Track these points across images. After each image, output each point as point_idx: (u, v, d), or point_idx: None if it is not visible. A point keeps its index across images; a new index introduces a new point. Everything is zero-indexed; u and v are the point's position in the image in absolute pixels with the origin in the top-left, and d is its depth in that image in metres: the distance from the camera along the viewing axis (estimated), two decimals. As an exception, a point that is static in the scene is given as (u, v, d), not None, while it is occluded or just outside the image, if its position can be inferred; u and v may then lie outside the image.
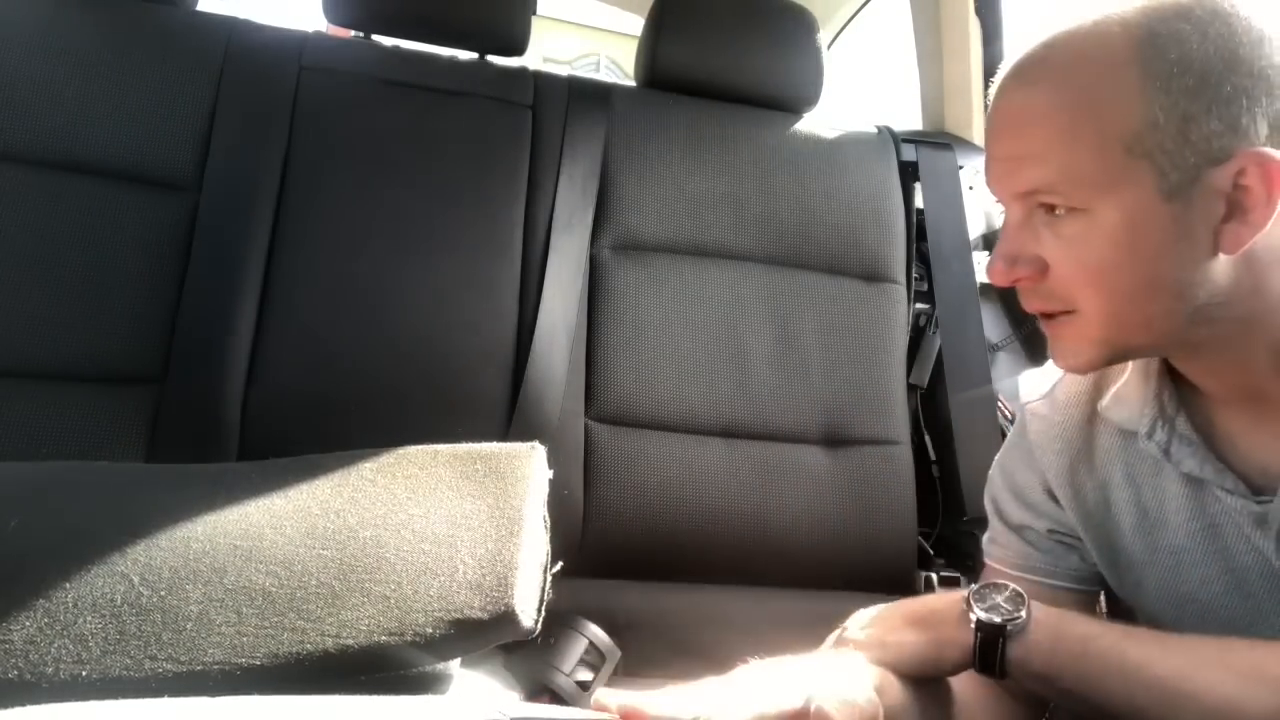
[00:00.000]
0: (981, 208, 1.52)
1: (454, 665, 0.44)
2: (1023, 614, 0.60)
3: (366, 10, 1.34)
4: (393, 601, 0.46)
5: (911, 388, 1.38)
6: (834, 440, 1.29)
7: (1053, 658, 0.60)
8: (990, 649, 0.60)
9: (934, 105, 1.66)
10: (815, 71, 1.42)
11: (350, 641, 0.43)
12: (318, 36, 1.32)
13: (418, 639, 0.45)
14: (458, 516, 0.53)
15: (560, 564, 0.54)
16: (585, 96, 1.35)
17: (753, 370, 1.28)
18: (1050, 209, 0.61)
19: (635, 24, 1.58)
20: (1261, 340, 0.62)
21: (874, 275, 1.36)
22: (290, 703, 0.35)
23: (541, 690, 0.98)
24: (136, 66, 1.17)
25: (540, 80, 1.36)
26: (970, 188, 1.50)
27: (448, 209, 1.24)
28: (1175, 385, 0.69)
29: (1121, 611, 0.79)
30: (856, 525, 1.25)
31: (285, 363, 1.15)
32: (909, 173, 1.44)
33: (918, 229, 1.43)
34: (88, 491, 0.49)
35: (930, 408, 1.39)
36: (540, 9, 1.49)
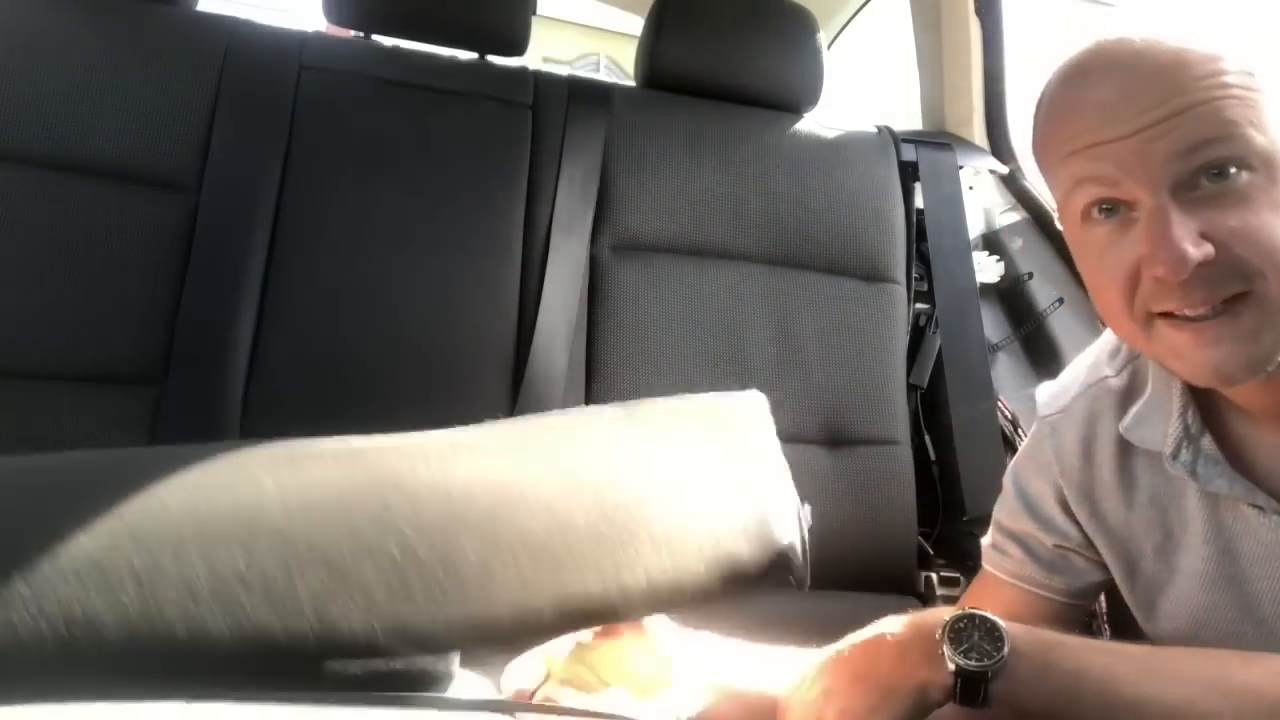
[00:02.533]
0: (981, 207, 1.52)
1: (454, 663, 0.44)
2: (1004, 652, 0.56)
3: (366, 10, 1.34)
4: (662, 545, 0.45)
5: (911, 388, 1.38)
6: (834, 440, 1.29)
7: (1039, 691, 0.57)
8: (972, 689, 0.56)
9: (934, 105, 1.66)
10: (815, 71, 1.42)
11: (630, 583, 0.43)
12: (318, 36, 1.32)
13: (693, 581, 0.44)
14: (706, 463, 0.52)
15: (809, 507, 0.54)
16: (585, 96, 1.35)
17: (753, 370, 1.28)
18: (1217, 173, 0.55)
19: (635, 24, 1.58)
20: None
21: (874, 275, 1.36)
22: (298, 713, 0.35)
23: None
24: (136, 66, 1.17)
25: (540, 80, 1.36)
26: (970, 188, 1.50)
27: (448, 209, 1.24)
28: (1197, 402, 0.66)
29: (1126, 621, 0.78)
30: (857, 525, 1.25)
31: (285, 363, 1.15)
32: (909, 173, 1.43)
33: (918, 229, 1.43)
34: (330, 457, 0.48)
35: (930, 408, 1.39)
36: (540, 9, 1.50)
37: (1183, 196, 0.55)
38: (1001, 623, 0.57)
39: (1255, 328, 0.56)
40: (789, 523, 0.50)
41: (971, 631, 0.57)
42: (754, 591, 0.47)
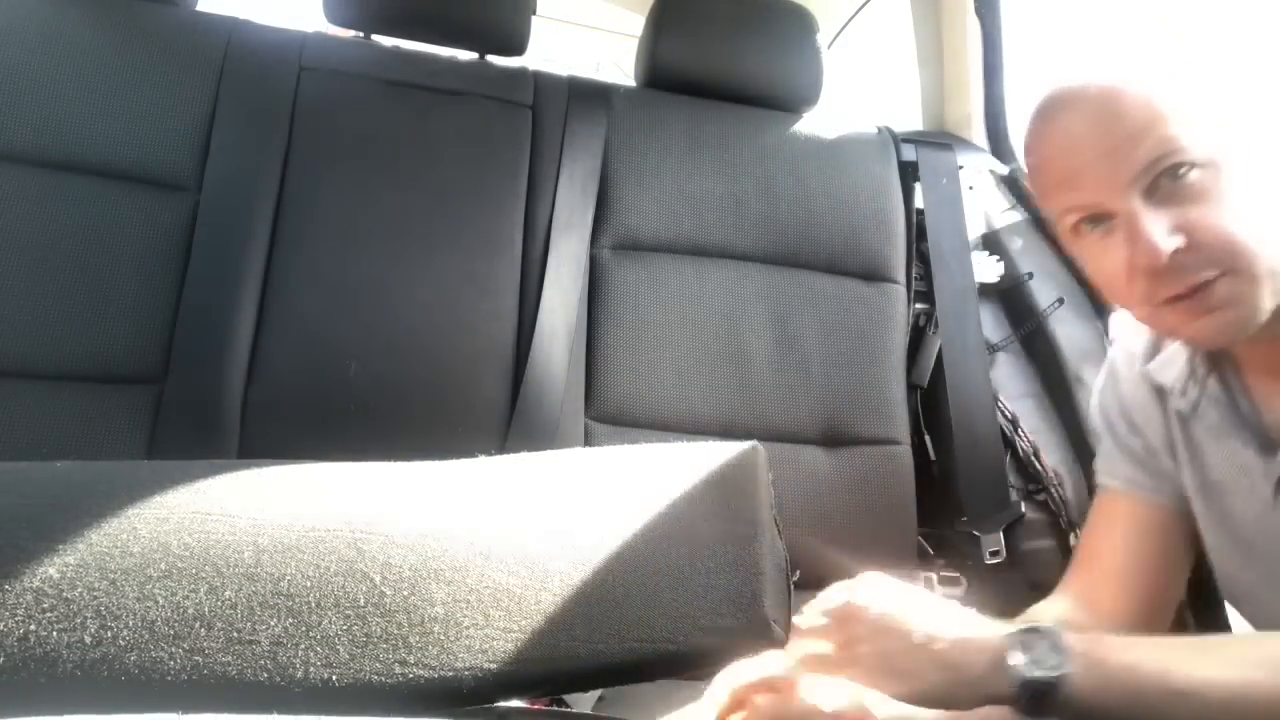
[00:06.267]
0: (981, 207, 1.52)
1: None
2: (1068, 666, 0.59)
3: (366, 10, 1.34)
4: (640, 607, 0.43)
5: (911, 388, 1.38)
6: (834, 440, 1.29)
7: (1102, 696, 0.59)
8: (1038, 703, 0.59)
9: (934, 105, 1.66)
10: (815, 71, 1.42)
11: (603, 648, 0.41)
12: (318, 36, 1.32)
13: (671, 648, 0.42)
14: (690, 519, 0.50)
15: (799, 571, 0.52)
16: (585, 96, 1.35)
17: (753, 370, 1.28)
18: (1175, 174, 0.64)
19: (635, 24, 1.58)
20: None
21: (874, 275, 1.36)
22: None
23: (541, 690, 0.98)
24: (136, 66, 1.17)
25: (540, 80, 1.36)
26: (970, 188, 1.50)
27: (448, 209, 1.24)
28: (1208, 354, 0.77)
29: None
30: (857, 525, 1.25)
31: (285, 363, 1.15)
32: (909, 173, 1.43)
33: (918, 229, 1.43)
34: (310, 488, 0.47)
35: (930, 408, 1.39)
36: (540, 9, 1.50)
37: (1150, 200, 0.65)
38: (1061, 631, 0.60)
39: (1231, 296, 0.65)
40: (777, 586, 0.48)
41: (1036, 641, 0.60)
42: (733, 659, 0.46)
